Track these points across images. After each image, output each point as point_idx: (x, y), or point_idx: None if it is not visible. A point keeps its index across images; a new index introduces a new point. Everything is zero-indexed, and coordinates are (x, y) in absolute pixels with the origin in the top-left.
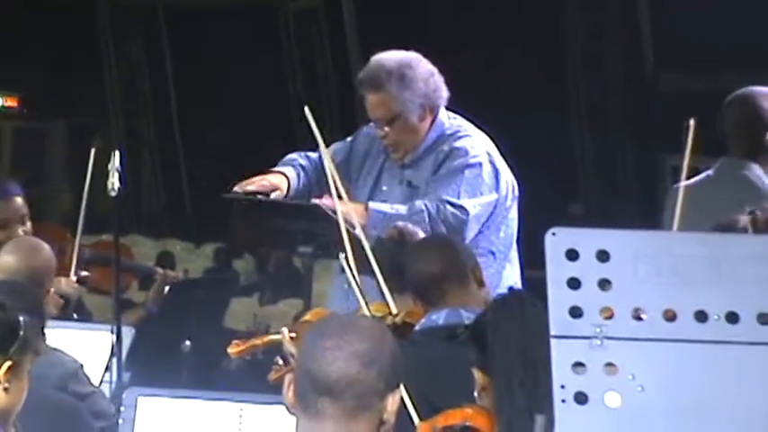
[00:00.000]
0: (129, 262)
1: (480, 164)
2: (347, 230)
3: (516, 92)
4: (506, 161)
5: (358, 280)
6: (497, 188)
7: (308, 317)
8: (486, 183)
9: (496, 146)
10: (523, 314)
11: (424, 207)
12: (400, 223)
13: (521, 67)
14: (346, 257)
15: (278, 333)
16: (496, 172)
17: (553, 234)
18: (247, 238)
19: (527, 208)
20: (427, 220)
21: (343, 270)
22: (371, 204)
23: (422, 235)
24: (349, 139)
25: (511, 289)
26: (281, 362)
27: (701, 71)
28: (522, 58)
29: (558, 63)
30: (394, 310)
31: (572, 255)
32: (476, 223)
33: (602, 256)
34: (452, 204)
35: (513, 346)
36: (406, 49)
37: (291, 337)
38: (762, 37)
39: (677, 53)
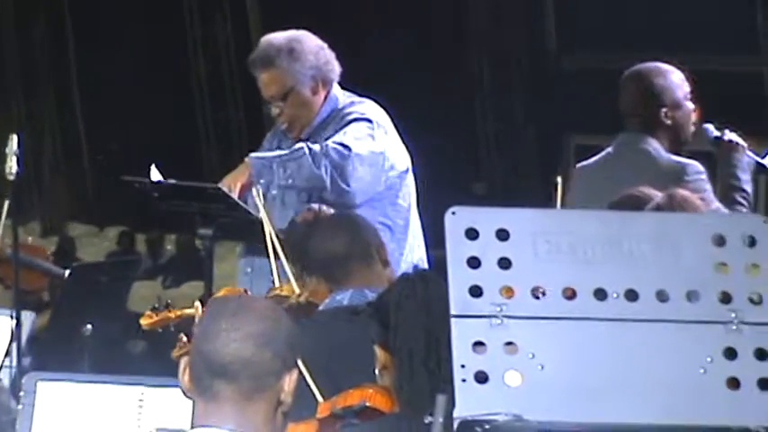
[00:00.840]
0: (42, 263)
1: (369, 120)
2: (243, 213)
3: (419, 73)
4: (409, 141)
5: (278, 260)
6: (386, 153)
7: (221, 294)
8: (372, 135)
9: (395, 125)
10: (427, 293)
11: (304, 145)
12: (314, 205)
13: (423, 49)
14: (271, 239)
15: (192, 308)
16: (387, 136)
17: (453, 213)
18: (148, 220)
19: (430, 188)
20: (308, 154)
21: (246, 253)
22: (251, 155)
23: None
24: None
25: (415, 267)
26: (184, 339)
27: (603, 51)
28: (424, 39)
29: (461, 43)
30: (296, 290)
31: (472, 234)
32: (359, 164)
33: (502, 234)
34: (334, 142)
35: (415, 324)
36: (308, 28)
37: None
38: (662, 16)
39: (579, 33)
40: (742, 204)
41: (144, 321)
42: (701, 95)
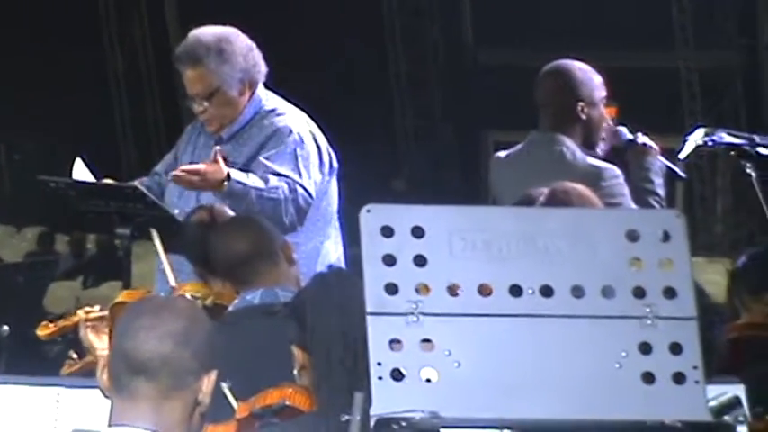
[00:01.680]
0: None
1: (304, 142)
2: (161, 212)
3: (336, 69)
4: (327, 138)
5: (169, 261)
6: (321, 165)
7: (120, 298)
8: (315, 163)
9: (315, 122)
10: (344, 292)
11: (282, 186)
12: (207, 204)
13: (340, 45)
14: (161, 239)
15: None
16: (319, 149)
17: (368, 211)
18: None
19: (349, 185)
20: (283, 198)
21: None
22: (232, 179)
23: (231, 214)
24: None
25: (331, 267)
26: (75, 356)
27: (521, 47)
28: (341, 34)
29: (378, 38)
30: (198, 292)
31: (387, 231)
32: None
33: (418, 232)
34: (303, 188)
35: (333, 324)
36: (226, 24)
37: (102, 318)
38: (579, 12)
39: (497, 28)
40: (655, 208)
41: (41, 332)
42: (618, 92)
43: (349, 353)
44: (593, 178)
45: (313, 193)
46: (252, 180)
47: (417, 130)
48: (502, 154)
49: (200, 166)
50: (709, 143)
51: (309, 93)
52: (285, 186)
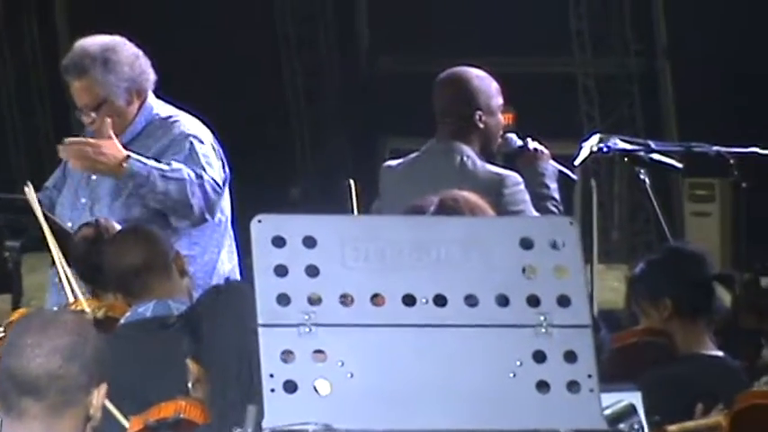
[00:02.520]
0: None
1: (204, 143)
2: (53, 224)
3: (231, 75)
4: (222, 146)
5: (68, 273)
6: (222, 167)
7: (13, 317)
8: (217, 165)
9: (210, 130)
10: (239, 304)
11: (182, 167)
12: (94, 219)
13: (236, 49)
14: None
15: None
16: (216, 153)
17: (259, 221)
18: None
19: (245, 194)
20: (188, 179)
21: (53, 263)
22: (130, 155)
23: (117, 228)
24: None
25: (228, 279)
26: None
27: (417, 52)
28: (237, 39)
29: (272, 44)
30: (87, 309)
31: (278, 241)
32: (222, 196)
33: (309, 242)
34: (211, 177)
35: (227, 337)
36: (115, 34)
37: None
38: (477, 18)
39: (393, 33)
40: (553, 213)
41: None
42: (516, 98)
43: (245, 367)
44: (496, 186)
45: (222, 187)
46: (153, 162)
47: (313, 137)
48: (393, 163)
49: (92, 140)
50: (604, 149)
51: (201, 100)
52: (191, 171)
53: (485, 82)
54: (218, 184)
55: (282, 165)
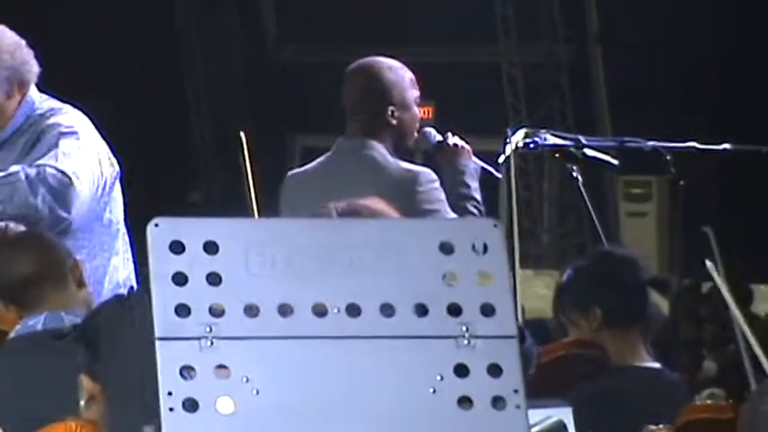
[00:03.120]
0: None
1: (77, 133)
2: None
3: (124, 70)
4: (116, 147)
5: None
6: (98, 166)
7: None
8: (86, 154)
9: (99, 131)
10: (141, 317)
11: (20, 168)
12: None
13: (131, 43)
14: None
15: None
16: (94, 147)
17: (156, 225)
18: None
19: (142, 198)
20: (24, 179)
21: None
22: None
23: (18, 231)
24: None
25: (131, 289)
26: None
27: (330, 42)
28: (133, 31)
29: (173, 35)
30: None
31: (177, 247)
32: (80, 188)
33: (211, 247)
34: (53, 167)
35: (130, 350)
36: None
37: None
38: (395, 5)
39: (302, 22)
40: (474, 214)
41: None
42: (434, 90)
43: (147, 384)
44: (409, 183)
45: (71, 175)
46: None
47: (216, 135)
48: (299, 170)
49: None
50: (531, 145)
51: (94, 97)
52: (31, 170)
53: (398, 73)
54: (66, 175)
55: (182, 166)
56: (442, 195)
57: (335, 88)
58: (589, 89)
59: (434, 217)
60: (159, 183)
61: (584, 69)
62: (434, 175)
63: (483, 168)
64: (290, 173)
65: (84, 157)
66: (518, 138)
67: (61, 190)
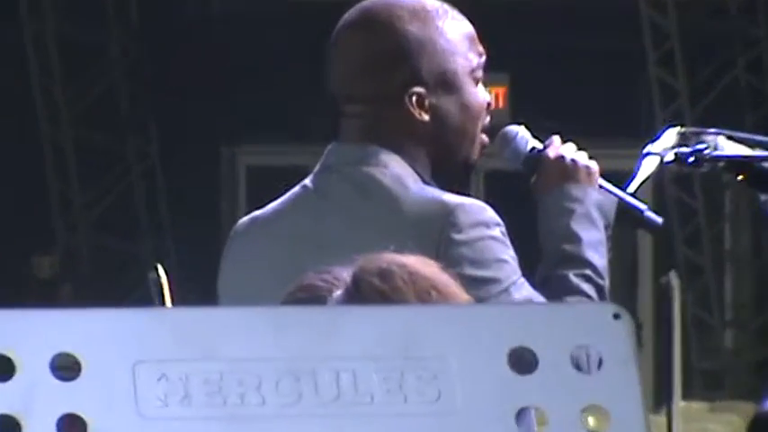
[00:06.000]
0: None
1: None
2: None
3: None
4: None
5: None
6: None
7: None
8: None
9: None
10: None
11: None
12: None
13: None
14: None
15: None
16: None
17: None
18: None
19: None
20: None
21: None
22: None
23: None
24: None
25: None
26: None
27: None
28: None
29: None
30: None
31: (4, 368)
32: None
33: (68, 365)
34: None
35: None
36: None
37: None
38: None
39: None
40: (587, 296)
41: None
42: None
43: None
44: (436, 226)
45: None
46: None
47: (82, 161)
48: (258, 213)
49: None
50: (691, 159)
51: None
52: None
53: (435, 24)
54: None
55: (29, 217)
56: (506, 250)
57: (308, 60)
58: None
59: (497, 299)
60: None
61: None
62: (490, 212)
63: (623, 206)
64: (239, 223)
65: None
66: (667, 143)
67: None
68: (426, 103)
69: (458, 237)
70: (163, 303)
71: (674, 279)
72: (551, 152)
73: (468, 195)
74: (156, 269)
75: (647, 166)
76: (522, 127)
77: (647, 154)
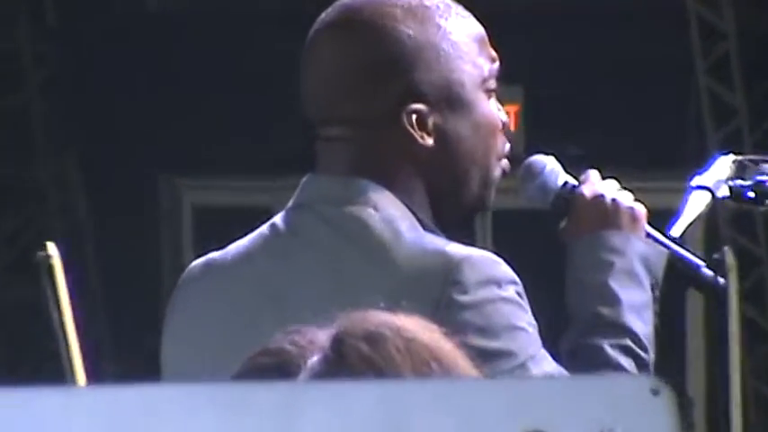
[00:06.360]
0: None
1: None
2: None
3: None
4: None
5: None
6: None
7: None
8: None
9: None
10: None
11: None
12: None
13: None
14: None
15: None
16: None
17: None
18: None
19: None
20: None
21: None
22: None
23: None
24: None
25: None
26: None
27: None
28: None
29: None
30: None
31: None
32: None
33: None
34: None
35: None
36: None
37: None
38: None
39: None
40: (622, 368)
41: None
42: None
43: None
44: (435, 282)
45: None
46: None
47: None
48: (215, 256)
49: None
50: (750, 194)
51: None
52: None
53: (438, 27)
54: None
55: None
56: (523, 315)
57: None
58: None
59: (511, 371)
60: None
61: None
62: (502, 269)
63: (677, 259)
64: (194, 264)
65: None
66: (720, 175)
67: None
68: (429, 123)
69: (462, 298)
70: (54, 289)
71: (728, 255)
72: (587, 190)
73: (473, 244)
74: (46, 247)
75: (696, 204)
76: (552, 158)
77: (696, 188)
